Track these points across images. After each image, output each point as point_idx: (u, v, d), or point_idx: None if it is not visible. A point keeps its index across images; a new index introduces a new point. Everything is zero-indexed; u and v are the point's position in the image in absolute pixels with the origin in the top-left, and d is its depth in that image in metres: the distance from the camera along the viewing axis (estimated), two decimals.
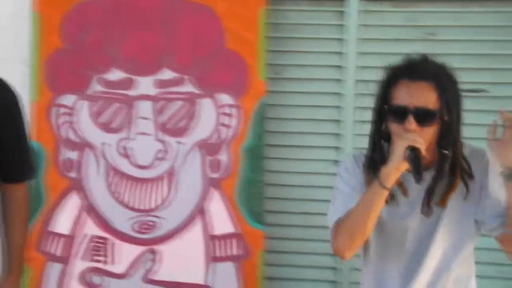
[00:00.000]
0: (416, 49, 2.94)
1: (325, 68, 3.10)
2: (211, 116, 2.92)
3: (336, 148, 3.10)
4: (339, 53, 3.07)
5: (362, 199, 1.72)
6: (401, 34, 3.05)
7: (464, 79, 2.91)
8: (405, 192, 1.76)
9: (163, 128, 2.92)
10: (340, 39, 3.07)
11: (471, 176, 1.75)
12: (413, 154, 1.65)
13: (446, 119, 1.70)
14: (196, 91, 2.91)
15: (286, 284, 3.16)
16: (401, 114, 1.69)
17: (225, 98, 2.91)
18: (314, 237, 3.15)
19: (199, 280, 2.93)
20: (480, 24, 3.02)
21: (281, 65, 3.11)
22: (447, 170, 1.72)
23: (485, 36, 3.00)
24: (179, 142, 2.92)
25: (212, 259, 2.92)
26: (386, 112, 1.74)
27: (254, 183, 2.92)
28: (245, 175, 2.92)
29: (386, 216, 1.78)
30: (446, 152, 1.72)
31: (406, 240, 1.79)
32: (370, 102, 2.98)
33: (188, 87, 2.91)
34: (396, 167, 1.66)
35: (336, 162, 3.09)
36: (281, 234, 3.14)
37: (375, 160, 1.77)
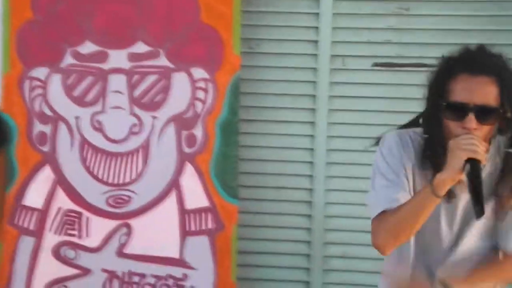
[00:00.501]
0: (391, 23, 3.05)
1: (300, 42, 3.11)
2: (186, 90, 2.91)
3: (311, 123, 3.13)
4: (315, 28, 3.09)
5: (412, 203, 1.62)
6: (375, 8, 3.07)
7: (436, 54, 2.96)
8: (452, 196, 1.66)
9: (137, 102, 2.90)
10: (315, 14, 3.08)
11: None
12: (473, 169, 1.53)
13: (508, 115, 1.59)
14: (171, 65, 2.89)
15: (260, 257, 3.20)
16: (460, 111, 1.58)
17: (200, 73, 2.90)
18: (288, 211, 3.19)
19: (173, 254, 2.94)
20: None
21: (256, 40, 3.11)
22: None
23: (458, 11, 3.04)
24: (153, 117, 2.91)
25: (186, 233, 2.94)
26: (443, 108, 1.62)
27: (229, 158, 2.93)
28: (220, 150, 2.93)
29: None
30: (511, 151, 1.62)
31: (442, 239, 1.72)
32: (345, 77, 3.07)
33: (163, 61, 2.89)
34: (452, 178, 1.55)
35: (311, 137, 3.13)
36: (255, 209, 3.17)
37: (431, 154, 1.67)
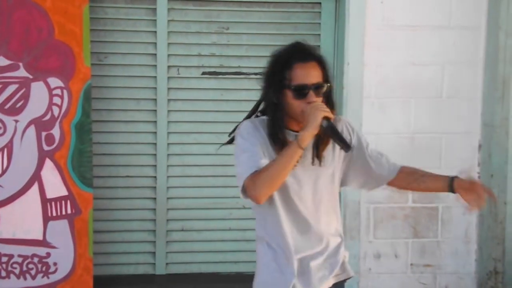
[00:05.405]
0: (214, 40, 3.42)
1: (142, 55, 3.38)
2: (44, 97, 3.08)
3: (154, 122, 3.38)
4: (153, 43, 3.36)
5: (281, 156, 1.87)
6: (201, 28, 3.41)
7: (250, 65, 3.35)
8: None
9: (0, 108, 3.05)
10: (153, 32, 3.36)
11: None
12: (329, 122, 1.87)
13: (328, 89, 1.95)
14: (29, 75, 3.05)
15: (114, 235, 3.42)
16: (302, 91, 1.89)
17: (56, 82, 3.07)
18: (136, 195, 3.42)
19: (37, 236, 3.12)
20: (261, 21, 3.45)
21: (105, 53, 3.34)
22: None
23: (265, 31, 3.44)
24: (16, 120, 3.06)
25: (49, 218, 3.11)
26: (288, 91, 1.90)
27: (84, 153, 3.12)
28: (76, 147, 3.11)
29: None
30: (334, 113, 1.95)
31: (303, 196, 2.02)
32: (180, 83, 3.46)
33: (22, 72, 3.04)
34: (313, 132, 1.86)
35: (154, 133, 3.35)
36: (109, 195, 3.39)
37: (275, 127, 1.95)
